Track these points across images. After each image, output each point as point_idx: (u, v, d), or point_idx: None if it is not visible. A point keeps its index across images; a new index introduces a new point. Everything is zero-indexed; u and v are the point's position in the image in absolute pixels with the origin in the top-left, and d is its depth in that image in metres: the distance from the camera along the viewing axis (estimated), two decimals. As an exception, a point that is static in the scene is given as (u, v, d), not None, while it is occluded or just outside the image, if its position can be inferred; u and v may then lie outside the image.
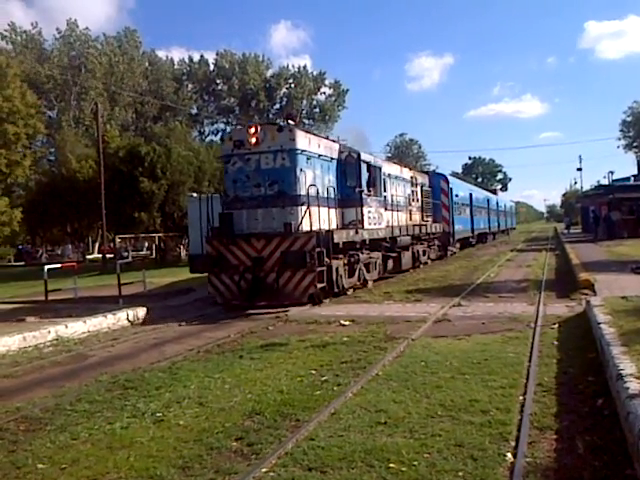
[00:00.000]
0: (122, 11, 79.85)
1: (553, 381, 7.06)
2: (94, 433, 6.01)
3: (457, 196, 32.52)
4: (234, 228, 14.81)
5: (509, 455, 4.95)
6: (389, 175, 20.46)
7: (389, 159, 25.67)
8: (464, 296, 14.86)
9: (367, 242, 17.22)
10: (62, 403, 7.11)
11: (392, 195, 20.55)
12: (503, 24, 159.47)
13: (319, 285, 14.14)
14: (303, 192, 14.37)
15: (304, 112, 66.18)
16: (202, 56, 65.49)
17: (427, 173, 30.52)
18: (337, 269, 15.12)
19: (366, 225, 16.96)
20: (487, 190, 58.97)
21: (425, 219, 25.43)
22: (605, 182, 54.09)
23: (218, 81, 64.71)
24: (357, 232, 16.20)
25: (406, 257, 21.50)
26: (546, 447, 5.14)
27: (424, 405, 6.32)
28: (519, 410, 6.04)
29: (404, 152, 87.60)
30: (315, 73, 65.39)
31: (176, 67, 65.12)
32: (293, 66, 65.85)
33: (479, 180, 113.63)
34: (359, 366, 8.14)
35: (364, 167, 17.20)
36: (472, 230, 37.64)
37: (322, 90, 66.66)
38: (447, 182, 30.70)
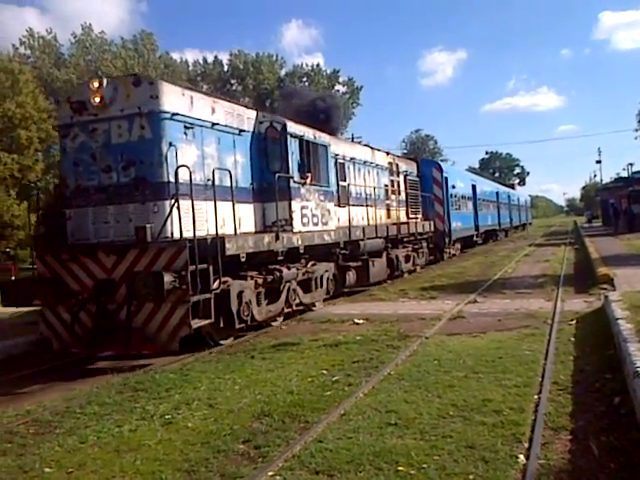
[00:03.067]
0: (135, 15, 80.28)
1: (569, 379, 6.91)
2: (102, 436, 5.98)
3: (454, 187, 27.46)
4: (75, 235, 10.04)
5: (521, 457, 4.82)
6: (351, 160, 16.40)
7: (351, 140, 20.16)
8: (480, 292, 14.69)
9: (301, 250, 12.49)
10: (72, 406, 7.08)
11: (355, 186, 16.39)
12: (516, 17, 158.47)
13: (200, 322, 9.20)
14: (173, 178, 9.39)
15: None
16: (216, 57, 65.65)
17: (414, 160, 24.74)
18: (241, 294, 10.32)
19: (298, 226, 12.34)
20: (502, 184, 57.30)
21: (411, 216, 21.25)
22: (625, 174, 53.28)
23: (233, 81, 64.88)
24: (277, 237, 11.33)
25: (377, 266, 16.77)
26: (560, 448, 5.00)
27: (436, 405, 6.19)
28: (533, 410, 5.90)
29: (420, 148, 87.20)
30: (329, 71, 65.27)
31: (191, 68, 65.39)
32: (307, 64, 65.80)
33: (496, 175, 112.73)
34: (371, 365, 8.04)
35: (294, 144, 12.41)
36: (476, 227, 32.55)
37: (336, 88, 66.51)
38: (440, 170, 25.68)
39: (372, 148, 18.79)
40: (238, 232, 10.49)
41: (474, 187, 33.48)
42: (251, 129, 11.99)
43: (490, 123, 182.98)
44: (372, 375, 7.49)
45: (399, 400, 6.41)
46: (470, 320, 11.12)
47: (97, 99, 9.75)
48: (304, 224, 12.68)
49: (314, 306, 13.55)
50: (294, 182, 12.29)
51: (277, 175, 11.53)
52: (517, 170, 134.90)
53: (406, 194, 21.22)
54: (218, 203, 9.96)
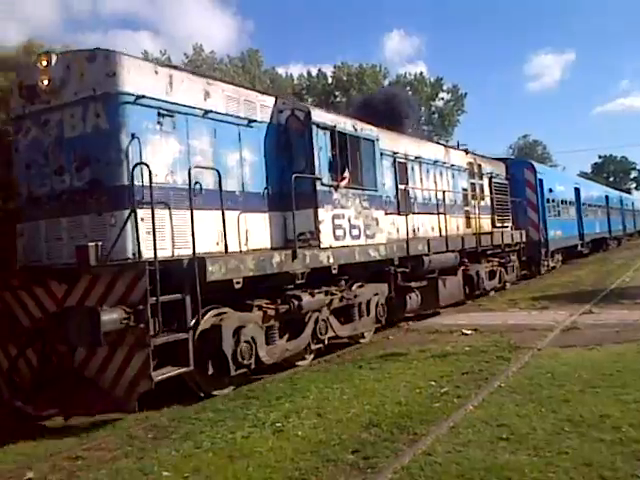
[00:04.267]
0: (242, 33, 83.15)
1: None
2: (216, 442, 6.16)
3: (551, 191, 24.19)
4: (28, 256, 8.11)
5: (644, 477, 4.54)
6: (416, 159, 14.04)
7: (419, 136, 17.87)
8: (595, 302, 13.97)
9: (334, 270, 9.96)
10: (188, 412, 7.39)
11: (421, 190, 14.15)
12: (624, 14, 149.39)
13: (168, 373, 7.11)
14: (139, 181, 7.25)
15: (423, 119, 65.49)
16: (320, 70, 66.74)
17: (503, 160, 21.91)
18: (239, 331, 8.04)
19: (329, 240, 9.86)
20: (617, 189, 53.22)
21: (498, 224, 18.58)
22: None
23: (337, 93, 65.66)
24: (295, 256, 9.00)
25: (449, 285, 14.07)
26: (686, 467, 4.66)
27: (550, 420, 5.95)
28: (655, 426, 5.54)
29: (528, 154, 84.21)
30: (432, 79, 64.61)
31: (295, 82, 66.85)
32: (410, 74, 65.49)
33: (610, 180, 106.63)
34: (481, 377, 7.85)
35: (323, 136, 9.99)
36: (581, 236, 28.77)
37: (440, 96, 65.71)
38: (534, 172, 22.40)
39: (446, 146, 16.78)
40: (244, 249, 8.78)
41: (577, 190, 30.05)
42: (267, 119, 9.66)
43: (602, 126, 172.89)
44: (482, 387, 7.32)
45: (511, 414, 6.22)
46: (585, 331, 10.60)
47: (45, 81, 7.70)
48: (338, 237, 10.13)
49: (363, 338, 11.34)
50: (322, 184, 9.83)
51: (294, 175, 9.18)
52: (634, 174, 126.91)
53: (491, 199, 18.64)
54: (212, 213, 8.06)
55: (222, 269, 7.69)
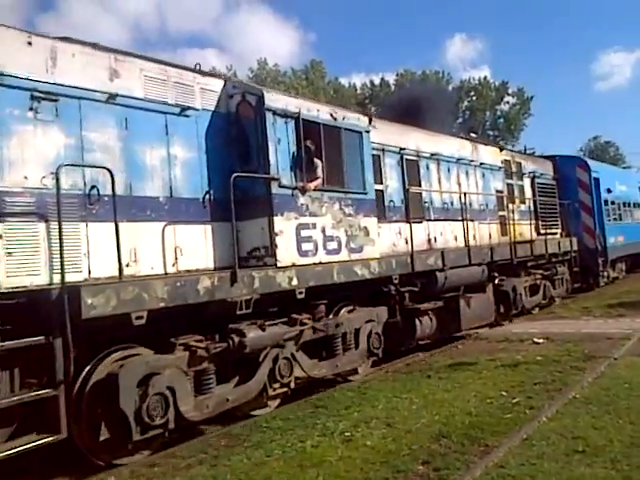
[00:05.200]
0: (304, 45, 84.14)
1: None
2: (287, 450, 6.23)
3: (610, 192, 21.26)
4: None
5: None
6: (432, 157, 12.14)
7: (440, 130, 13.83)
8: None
9: (300, 294, 8.01)
10: (259, 420, 7.49)
11: (440, 193, 12.22)
12: None
13: (25, 444, 5.38)
14: None
15: (488, 123, 64.48)
16: (382, 78, 66.73)
17: (550, 158, 19.44)
18: (147, 381, 6.25)
19: (290, 256, 7.93)
20: None
21: (543, 230, 16.37)
22: None
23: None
24: (234, 280, 7.14)
25: (475, 305, 11.74)
26: None
27: (628, 432, 5.77)
28: None
29: (600, 156, 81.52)
30: (497, 83, 63.56)
31: (358, 92, 67.09)
32: (474, 78, 64.64)
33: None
34: (554, 388, 7.67)
35: (282, 126, 8.16)
36: None
37: (505, 99, 64.56)
38: (587, 170, 19.68)
39: (473, 141, 14.35)
40: (171, 270, 7.07)
41: None
42: (211, 107, 7.92)
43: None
44: (555, 398, 7.14)
45: (586, 426, 6.05)
46: (666, 340, 10.17)
47: None
48: (305, 253, 8.17)
49: (354, 374, 9.40)
50: (281, 187, 7.93)
51: (234, 176, 7.29)
52: None
53: (534, 202, 16.45)
54: (121, 225, 6.28)
55: (111, 301, 5.83)
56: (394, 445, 6.10)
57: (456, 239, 12.35)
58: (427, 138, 12.32)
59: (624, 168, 63.43)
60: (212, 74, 8.63)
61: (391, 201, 10.74)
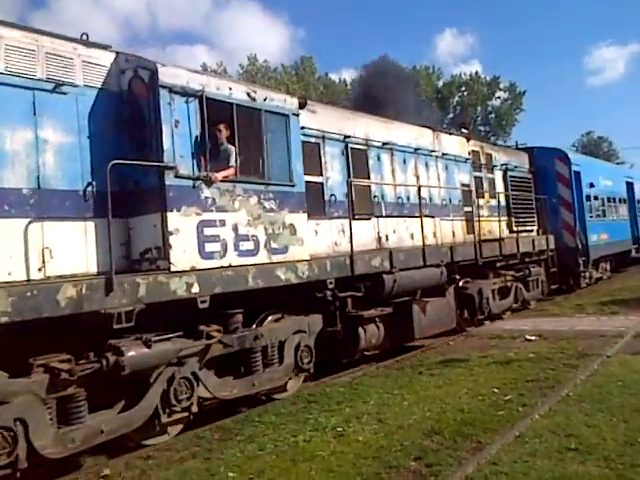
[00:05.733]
0: (294, 41, 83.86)
1: None
2: (279, 445, 6.24)
3: (592, 186, 19.86)
4: None
5: None
6: (384, 146, 10.96)
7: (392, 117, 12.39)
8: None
9: (202, 303, 6.81)
10: (251, 414, 7.49)
11: (393, 186, 11.05)
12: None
13: None
14: None
15: (479, 119, 64.58)
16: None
17: (526, 150, 18.20)
18: None
19: (188, 259, 6.77)
20: None
21: (516, 228, 15.21)
22: None
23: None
24: (110, 287, 5.96)
25: (431, 311, 10.72)
26: None
27: (621, 430, 5.76)
28: None
29: (593, 151, 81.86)
30: (488, 78, 63.62)
31: (349, 87, 66.97)
32: (465, 73, 64.66)
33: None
34: (546, 385, 7.67)
35: (180, 105, 6.95)
36: (636, 239, 24.12)
37: (497, 95, 64.64)
38: (567, 163, 18.19)
39: (434, 130, 12.94)
40: (37, 277, 5.85)
41: (630, 185, 24.89)
42: (97, 83, 6.73)
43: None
44: (548, 395, 7.14)
45: (579, 423, 6.05)
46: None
47: None
48: (210, 255, 6.98)
49: (282, 391, 8.29)
50: (178, 177, 6.75)
51: (112, 164, 6.18)
52: None
53: (506, 197, 15.21)
54: None
55: None
56: (386, 441, 6.09)
57: (413, 237, 11.11)
58: (379, 125, 11.08)
59: (618, 164, 63.25)
60: (99, 45, 7.00)
61: (332, 195, 9.52)
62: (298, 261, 8.14)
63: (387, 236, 10.64)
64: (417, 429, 6.36)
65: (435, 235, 11.86)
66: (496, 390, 7.61)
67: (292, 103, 8.50)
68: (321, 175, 9.43)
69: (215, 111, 7.24)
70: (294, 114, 8.47)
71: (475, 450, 5.61)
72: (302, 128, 8.81)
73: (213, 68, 60.64)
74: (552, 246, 16.49)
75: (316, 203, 9.07)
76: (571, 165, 18.27)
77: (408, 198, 11.34)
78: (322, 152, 9.54)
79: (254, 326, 7.89)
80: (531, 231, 16.25)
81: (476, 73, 64.75)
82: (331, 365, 9.44)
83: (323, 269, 8.57)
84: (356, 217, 9.78)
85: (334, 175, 9.71)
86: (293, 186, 8.26)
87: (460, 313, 12.22)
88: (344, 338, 9.23)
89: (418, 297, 10.74)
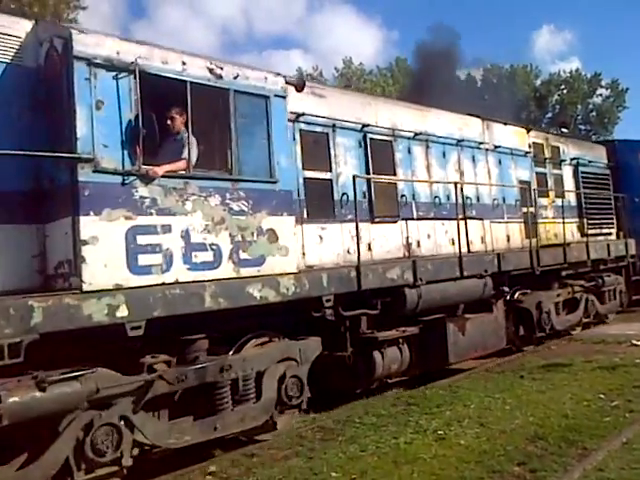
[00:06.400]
0: (387, 43, 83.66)
1: None
2: (380, 446, 6.33)
3: None
4: None
5: None
6: (416, 137, 9.56)
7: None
8: None
9: (133, 330, 5.40)
10: (352, 415, 7.61)
11: (427, 184, 9.66)
12: None
13: None
14: None
15: (579, 117, 62.10)
16: (469, 74, 65.60)
17: (605, 143, 16.50)
18: None
19: (115, 274, 5.37)
20: None
21: (591, 230, 13.48)
22: None
23: (487, 97, 64.03)
24: None
25: (472, 330, 9.25)
26: None
27: None
28: None
29: None
30: (589, 75, 61.04)
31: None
32: (564, 71, 62.36)
33: None
34: (655, 391, 7.40)
35: (105, 81, 5.53)
36: None
37: (598, 92, 61.92)
38: None
39: (484, 119, 11.36)
40: None
41: None
42: (6, 57, 5.54)
43: None
44: (657, 402, 6.91)
45: (692, 432, 5.84)
46: None
47: None
48: (143, 269, 5.57)
49: (273, 429, 6.95)
50: (96, 171, 5.37)
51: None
52: None
53: (578, 196, 13.52)
54: None
55: None
56: (488, 445, 6.09)
57: (454, 243, 9.52)
58: (409, 113, 9.70)
59: None
60: (10, 12, 5.82)
61: (344, 194, 8.16)
62: (280, 274, 6.63)
63: (419, 242, 9.25)
64: (520, 434, 6.33)
65: (484, 240, 10.42)
66: (602, 396, 7.46)
67: (275, 83, 6.97)
68: (330, 171, 8.14)
69: (160, 90, 5.92)
70: (278, 96, 6.95)
71: (581, 456, 5.55)
72: (301, 115, 7.74)
73: (309, 72, 61.58)
74: (633, 251, 14.38)
75: (322, 204, 7.89)
76: None
77: (448, 197, 9.86)
78: (332, 143, 8.24)
79: (231, 353, 6.47)
80: (609, 234, 14.50)
81: (576, 70, 62.36)
82: (343, 396, 8.20)
83: (317, 284, 7.04)
84: (376, 220, 8.58)
85: (348, 170, 8.31)
86: (275, 183, 6.78)
87: (515, 330, 10.77)
88: (356, 364, 7.93)
89: (460, 313, 9.45)
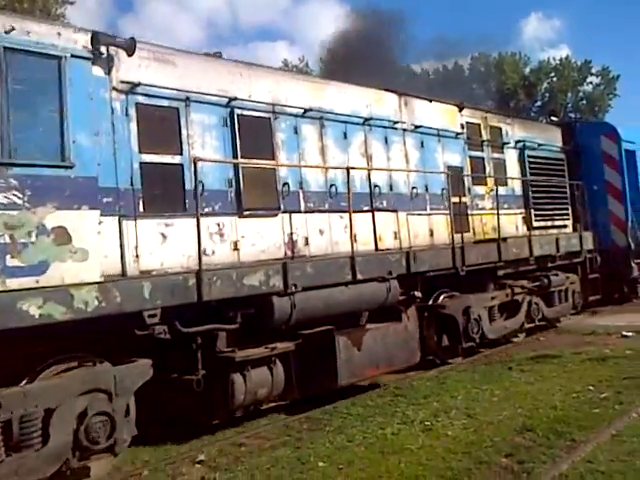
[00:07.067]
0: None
1: None
2: (367, 437, 6.30)
3: None
4: None
5: None
6: (307, 113, 8.05)
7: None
8: None
9: None
10: (339, 406, 7.54)
11: (322, 171, 8.19)
12: None
13: None
14: None
15: (569, 105, 62.16)
16: (456, 62, 65.39)
17: (563, 125, 15.09)
18: None
19: None
20: None
21: (539, 223, 12.12)
22: None
23: (474, 86, 63.97)
24: None
25: (372, 343, 7.83)
26: None
27: None
28: None
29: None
30: (579, 63, 61.06)
31: (432, 77, 66.01)
32: (554, 59, 62.36)
33: None
34: (645, 383, 7.38)
35: None
36: None
37: (588, 80, 61.98)
38: (616, 140, 14.09)
39: (401, 94, 9.63)
40: None
41: None
42: None
43: None
44: (647, 393, 6.88)
45: (682, 423, 5.81)
46: None
47: None
48: None
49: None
50: None
51: None
52: None
53: (523, 184, 11.98)
54: None
55: None
56: (476, 436, 6.06)
57: (356, 240, 8.07)
58: (299, 85, 8.17)
59: None
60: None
61: (200, 182, 6.49)
62: (74, 285, 5.21)
63: (307, 239, 7.73)
64: (508, 425, 6.30)
65: (397, 236, 8.93)
66: (591, 387, 7.44)
67: (74, 40, 5.58)
68: (180, 154, 6.57)
69: None
70: (78, 56, 5.58)
71: (569, 448, 5.51)
72: (137, 85, 6.20)
73: (295, 64, 61.21)
74: (590, 246, 12.93)
75: (168, 194, 6.44)
76: (622, 143, 14.13)
77: (354, 186, 8.29)
78: (184, 121, 6.68)
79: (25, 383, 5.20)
80: (563, 227, 12.95)
81: (566, 58, 62.30)
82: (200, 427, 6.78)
83: (134, 295, 5.59)
84: (247, 213, 7.07)
85: (207, 154, 6.85)
86: (69, 168, 5.40)
87: (437, 341, 9.38)
88: (211, 390, 6.38)
89: (363, 322, 8.10)
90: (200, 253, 6.11)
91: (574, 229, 13.07)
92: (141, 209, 6.11)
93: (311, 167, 8.01)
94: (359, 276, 7.64)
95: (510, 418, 6.52)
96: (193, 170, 6.26)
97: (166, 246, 6.26)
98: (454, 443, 5.91)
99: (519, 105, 61.61)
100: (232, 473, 5.57)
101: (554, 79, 62.05)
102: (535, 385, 7.80)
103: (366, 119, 8.85)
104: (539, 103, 62.94)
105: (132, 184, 6.06)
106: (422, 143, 9.75)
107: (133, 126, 6.17)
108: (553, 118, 15.20)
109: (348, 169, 8.01)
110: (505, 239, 10.41)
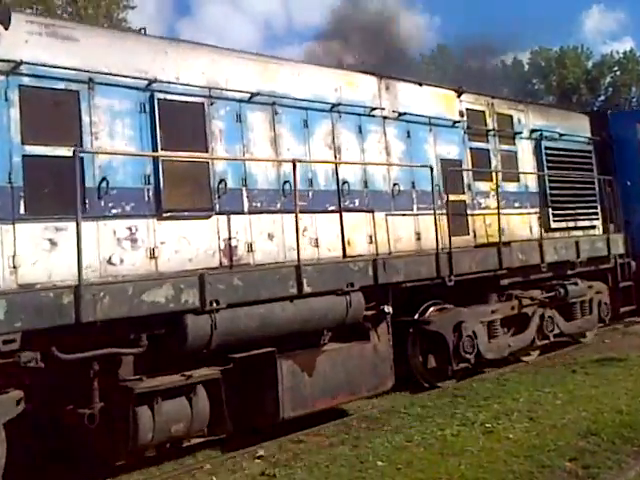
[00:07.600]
0: (429, 31, 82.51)
1: None
2: (426, 437, 6.26)
3: None
4: None
5: None
6: (253, 97, 6.93)
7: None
8: None
9: None
10: (397, 406, 7.55)
11: (274, 165, 7.07)
12: None
13: None
14: None
15: (634, 100, 60.08)
16: (515, 58, 64.10)
17: (593, 114, 13.98)
18: None
19: None
20: None
21: (558, 224, 10.69)
22: None
23: (534, 80, 62.60)
24: None
25: (329, 367, 6.77)
26: None
27: None
28: None
29: None
30: (645, 55, 58.88)
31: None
32: (617, 52, 60.35)
33: None
34: None
35: None
36: None
37: (655, 73, 59.74)
38: None
39: (382, 77, 8.54)
40: None
41: None
42: None
43: None
44: None
45: None
46: None
47: None
48: None
49: None
50: None
51: None
52: None
53: (539, 180, 10.63)
54: None
55: None
56: (538, 440, 5.96)
57: (318, 245, 7.21)
58: (243, 65, 7.05)
59: None
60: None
61: (104, 179, 5.68)
62: None
63: (251, 245, 6.69)
64: (572, 429, 6.18)
65: (373, 240, 7.84)
66: (659, 392, 7.19)
67: None
68: (79, 145, 5.55)
69: None
70: None
71: (636, 454, 5.40)
72: (22, 64, 5.26)
73: (349, 62, 61.00)
74: (620, 250, 11.33)
75: (59, 193, 5.37)
76: None
77: (311, 182, 7.32)
78: (85, 106, 5.69)
79: None
80: (591, 228, 11.47)
81: (630, 51, 60.27)
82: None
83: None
84: (167, 215, 6.04)
85: (117, 145, 5.90)
86: None
87: (423, 362, 8.24)
88: (111, 425, 5.41)
89: (325, 342, 6.91)
90: (80, 260, 4.99)
91: (604, 230, 11.59)
92: (22, 211, 5.14)
93: (249, 160, 6.85)
94: (307, 289, 6.44)
95: (574, 422, 6.40)
96: (78, 162, 5.20)
97: (56, 255, 5.24)
98: (516, 446, 5.82)
99: (581, 100, 59.99)
100: (291, 469, 5.63)
101: (617, 73, 60.17)
102: (600, 388, 7.62)
103: (334, 105, 7.78)
104: (602, 97, 61.13)
105: (10, 181, 5.11)
106: (408, 133, 8.60)
107: (14, 112, 5.20)
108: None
109: (294, 162, 6.72)
110: (509, 243, 9.17)
